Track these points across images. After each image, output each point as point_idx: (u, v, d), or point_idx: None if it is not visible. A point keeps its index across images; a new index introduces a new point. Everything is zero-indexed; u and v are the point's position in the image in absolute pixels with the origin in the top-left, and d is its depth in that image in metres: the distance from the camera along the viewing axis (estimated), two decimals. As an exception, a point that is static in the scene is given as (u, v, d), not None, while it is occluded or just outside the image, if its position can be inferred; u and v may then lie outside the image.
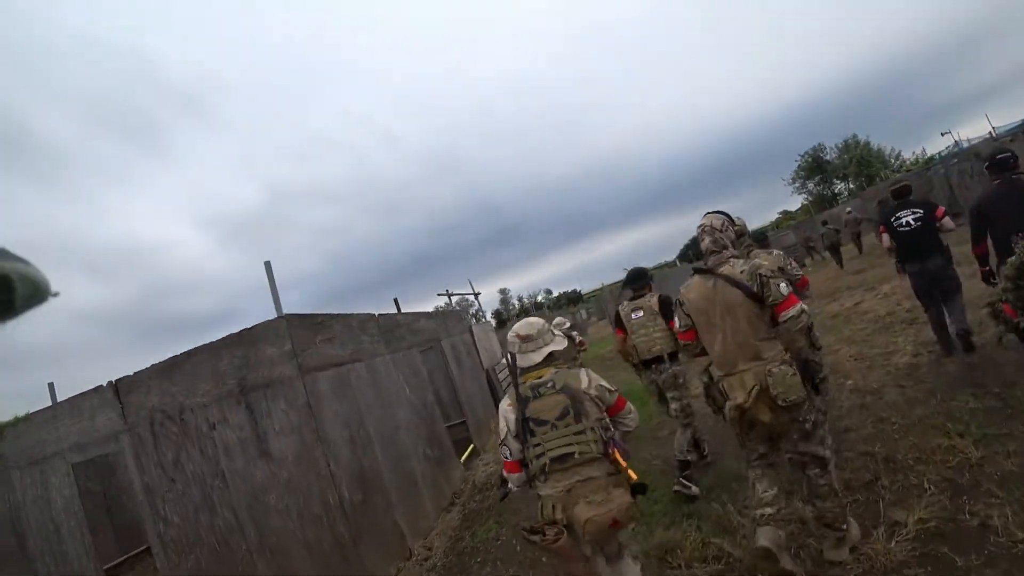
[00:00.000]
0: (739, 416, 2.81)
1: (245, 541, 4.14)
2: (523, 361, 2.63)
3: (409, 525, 5.13)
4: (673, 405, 4.44)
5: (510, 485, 2.62)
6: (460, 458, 7.37)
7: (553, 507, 2.38)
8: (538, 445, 2.42)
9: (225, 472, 4.22)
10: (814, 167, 58.99)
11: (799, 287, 4.12)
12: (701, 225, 3.13)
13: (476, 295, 10.55)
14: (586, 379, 2.53)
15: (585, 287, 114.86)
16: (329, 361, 4.86)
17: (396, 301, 7.98)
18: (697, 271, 3.10)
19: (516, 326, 2.77)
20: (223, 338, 4.30)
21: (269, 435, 4.25)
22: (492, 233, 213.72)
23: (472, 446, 7.88)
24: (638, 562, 2.60)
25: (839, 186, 59.07)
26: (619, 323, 4.73)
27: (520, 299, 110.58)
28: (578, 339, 8.79)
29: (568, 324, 9.27)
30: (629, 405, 2.62)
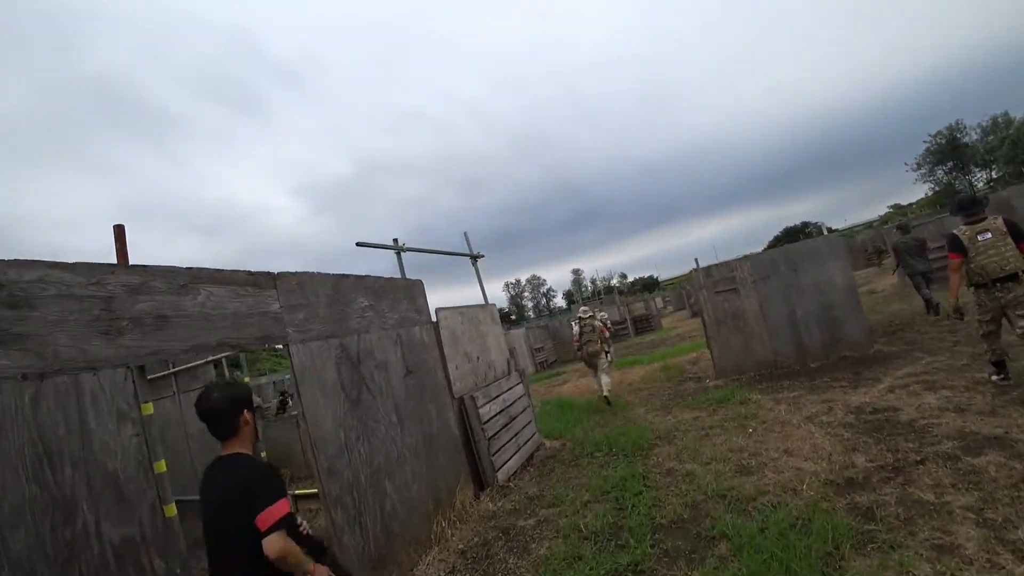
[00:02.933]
0: None
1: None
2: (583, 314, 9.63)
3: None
4: (1020, 323, 4.70)
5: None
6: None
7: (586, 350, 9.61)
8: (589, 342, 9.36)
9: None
10: (948, 150, 53.06)
11: None
12: None
13: (474, 257, 7.68)
14: (599, 323, 9.69)
15: (663, 275, 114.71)
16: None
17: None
18: None
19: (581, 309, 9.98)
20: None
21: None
22: (572, 214, 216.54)
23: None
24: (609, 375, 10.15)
25: (979, 175, 52.77)
26: (956, 247, 4.93)
27: (593, 281, 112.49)
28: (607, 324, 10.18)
29: (604, 314, 10.72)
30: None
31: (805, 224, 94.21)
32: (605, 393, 8.96)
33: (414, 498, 4.59)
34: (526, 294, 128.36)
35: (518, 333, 20.69)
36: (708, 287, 9.05)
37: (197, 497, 2.32)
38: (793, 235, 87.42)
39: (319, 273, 4.18)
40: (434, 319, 5.76)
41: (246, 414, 2.35)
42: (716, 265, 9.14)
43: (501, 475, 5.75)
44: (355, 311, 4.51)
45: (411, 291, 5.49)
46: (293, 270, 3.98)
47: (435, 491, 4.91)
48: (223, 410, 2.29)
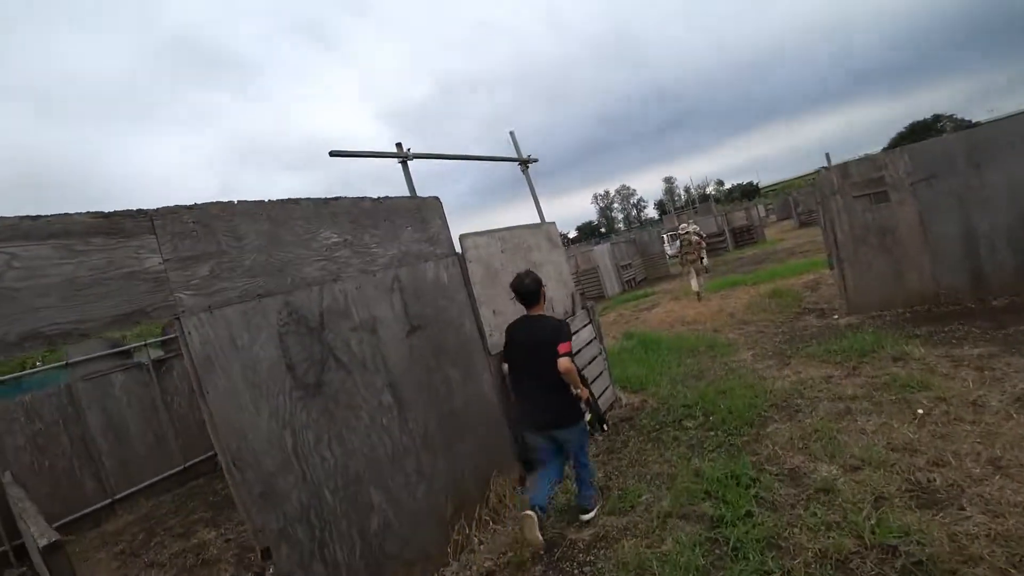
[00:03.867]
0: None
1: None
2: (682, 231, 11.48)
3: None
4: None
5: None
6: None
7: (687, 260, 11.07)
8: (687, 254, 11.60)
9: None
10: None
11: None
12: None
13: (524, 162, 5.84)
14: (696, 238, 11.42)
15: (764, 180, 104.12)
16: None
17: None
18: None
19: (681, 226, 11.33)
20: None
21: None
22: (667, 120, 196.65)
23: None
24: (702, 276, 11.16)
25: None
26: None
27: (687, 189, 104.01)
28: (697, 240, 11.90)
29: (696, 227, 12.51)
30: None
31: (937, 117, 79.29)
32: (697, 289, 11.38)
33: (420, 504, 3.35)
34: (616, 205, 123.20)
35: (602, 249, 18.87)
36: (844, 191, 6.75)
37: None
38: (921, 131, 74.33)
39: (239, 202, 2.77)
40: (459, 250, 4.27)
41: (543, 290, 3.67)
42: (856, 161, 6.76)
43: (554, 454, 4.40)
44: (314, 252, 3.08)
45: (419, 213, 3.95)
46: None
47: (457, 487, 3.65)
48: (534, 289, 3.58)
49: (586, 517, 3.53)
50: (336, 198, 3.36)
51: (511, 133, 5.94)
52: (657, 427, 4.82)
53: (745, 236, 23.71)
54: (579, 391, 3.38)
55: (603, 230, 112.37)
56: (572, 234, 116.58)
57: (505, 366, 3.82)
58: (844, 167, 6.75)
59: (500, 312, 4.44)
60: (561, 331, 3.38)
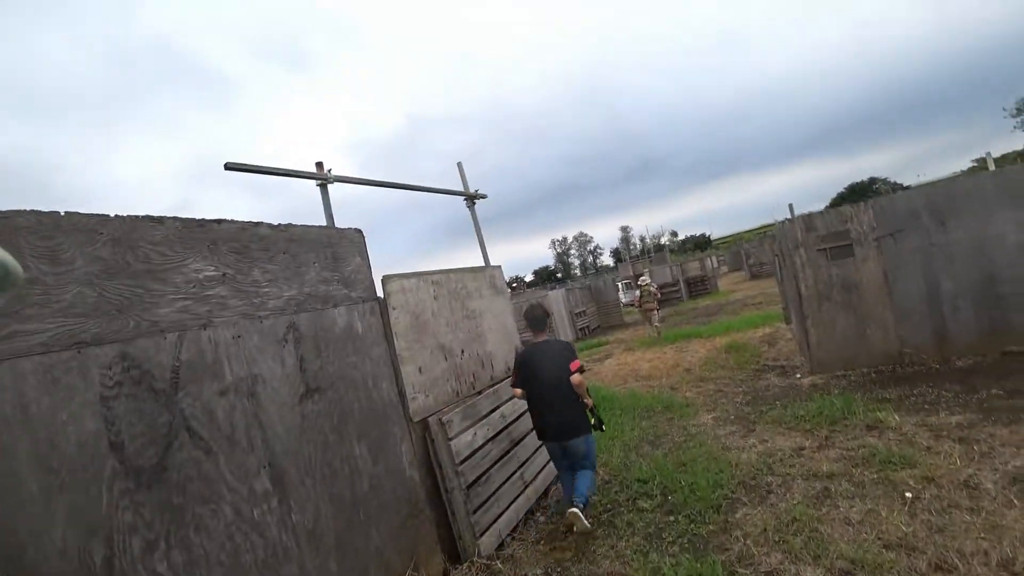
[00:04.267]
0: None
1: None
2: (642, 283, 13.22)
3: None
4: None
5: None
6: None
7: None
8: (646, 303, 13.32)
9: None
10: None
11: None
12: None
13: (471, 197, 5.35)
14: (654, 289, 13.13)
15: (716, 232, 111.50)
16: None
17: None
18: None
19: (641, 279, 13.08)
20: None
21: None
22: (627, 168, 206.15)
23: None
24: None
25: None
26: None
27: (642, 239, 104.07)
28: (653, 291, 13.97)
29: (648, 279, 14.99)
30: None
31: (873, 180, 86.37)
32: (657, 324, 13.58)
33: None
34: (573, 251, 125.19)
35: (556, 295, 18.45)
36: (807, 244, 6.47)
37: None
38: (860, 192, 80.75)
39: (67, 214, 2.06)
40: (380, 293, 3.59)
41: (548, 320, 4.55)
42: (821, 213, 6.52)
43: (488, 541, 3.65)
44: (176, 287, 2.36)
45: (332, 248, 3.29)
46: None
47: (357, 594, 2.85)
48: (542, 317, 4.28)
49: (574, 511, 3.58)
50: (218, 220, 2.66)
51: (459, 164, 5.41)
52: (609, 507, 4.14)
53: (699, 286, 23.88)
54: (587, 400, 3.98)
55: (559, 275, 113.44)
56: (529, 278, 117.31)
57: (518, 391, 4.06)
58: (809, 219, 6.50)
59: (427, 370, 3.76)
60: (570, 350, 4.03)
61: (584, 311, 19.46)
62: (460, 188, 5.37)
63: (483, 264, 5.23)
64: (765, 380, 7.01)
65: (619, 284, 25.94)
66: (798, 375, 6.82)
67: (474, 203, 5.42)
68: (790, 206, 7.98)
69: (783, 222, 6.71)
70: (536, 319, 4.20)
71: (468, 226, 5.54)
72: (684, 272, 23.99)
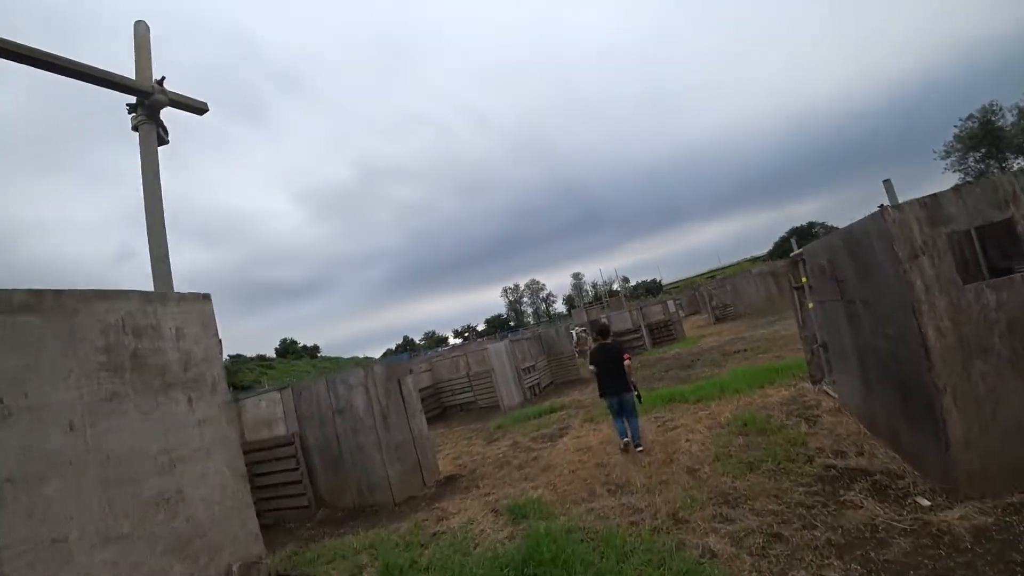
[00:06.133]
0: None
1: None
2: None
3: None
4: None
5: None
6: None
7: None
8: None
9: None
10: (981, 135, 47.50)
11: None
12: None
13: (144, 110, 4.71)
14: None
15: (667, 278, 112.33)
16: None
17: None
18: None
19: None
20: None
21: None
22: (574, 218, 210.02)
23: None
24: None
25: (1014, 162, 46.33)
26: None
27: (595, 285, 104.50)
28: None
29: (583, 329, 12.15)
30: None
31: (811, 224, 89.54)
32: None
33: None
34: (525, 299, 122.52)
35: (499, 348, 14.97)
36: (934, 249, 3.35)
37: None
38: (801, 236, 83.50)
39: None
40: None
41: (609, 328, 8.22)
42: (957, 190, 3.46)
43: None
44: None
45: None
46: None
47: None
48: (605, 329, 7.40)
49: (640, 448, 6.42)
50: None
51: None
52: None
53: (663, 332, 20.98)
54: (633, 379, 6.64)
55: (512, 323, 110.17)
56: (481, 326, 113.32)
57: (592, 368, 6.99)
58: (935, 201, 3.39)
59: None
60: (623, 348, 7.10)
61: (534, 365, 16.04)
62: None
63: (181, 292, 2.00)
64: (854, 510, 3.72)
65: (574, 332, 22.84)
66: (923, 500, 3.58)
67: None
68: (792, 239, 5.57)
69: (877, 214, 3.56)
70: (602, 330, 7.37)
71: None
72: (645, 317, 21.09)
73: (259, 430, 8.70)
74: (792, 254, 6.94)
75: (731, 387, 8.55)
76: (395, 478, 7.22)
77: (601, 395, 6.84)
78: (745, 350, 13.26)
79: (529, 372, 15.61)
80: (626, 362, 6.55)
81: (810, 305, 6.90)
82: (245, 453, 8.35)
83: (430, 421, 16.19)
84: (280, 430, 8.45)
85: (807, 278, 6.89)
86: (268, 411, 8.65)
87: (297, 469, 8.04)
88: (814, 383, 7.07)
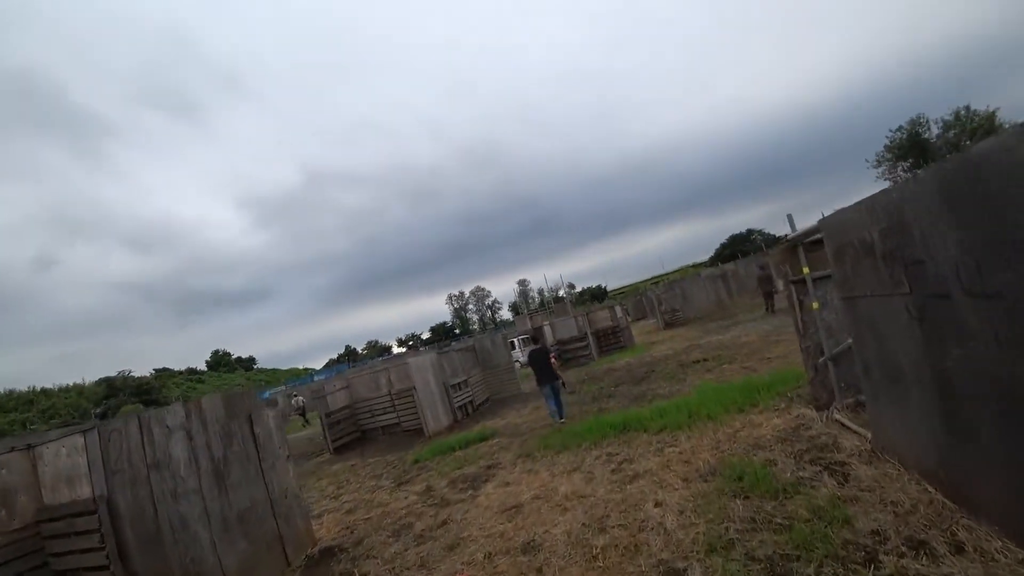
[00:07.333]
0: None
1: None
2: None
3: None
4: None
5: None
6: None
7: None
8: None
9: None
10: (909, 146, 49.51)
11: None
12: None
13: None
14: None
15: (612, 284, 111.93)
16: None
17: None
18: None
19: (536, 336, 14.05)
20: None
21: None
22: (522, 225, 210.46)
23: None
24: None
25: None
26: None
27: (541, 292, 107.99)
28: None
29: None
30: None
31: (750, 231, 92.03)
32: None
33: None
34: (471, 307, 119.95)
35: (422, 362, 12.66)
36: None
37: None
38: (739, 242, 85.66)
39: None
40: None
41: (542, 336, 17.23)
42: None
43: None
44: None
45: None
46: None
47: None
48: (538, 338, 13.66)
49: (562, 421, 8.75)
50: None
51: None
52: None
53: (611, 340, 19.26)
54: (558, 372, 9.01)
55: (457, 331, 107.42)
56: (426, 335, 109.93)
57: (529, 366, 9.19)
58: None
59: None
60: (549, 350, 9.92)
61: (466, 380, 13.82)
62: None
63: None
64: None
65: (514, 341, 20.79)
66: None
67: None
68: (789, 216, 3.87)
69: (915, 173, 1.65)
70: (534, 337, 12.73)
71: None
72: (592, 323, 19.34)
73: (59, 490, 6.08)
74: (791, 235, 5.08)
75: (702, 412, 6.66)
76: (234, 565, 4.88)
77: (538, 384, 9.27)
78: (706, 359, 11.56)
79: (460, 389, 13.38)
80: (552, 361, 9.01)
81: (814, 305, 5.08)
82: (39, 524, 5.65)
83: (345, 448, 13.60)
84: (84, 490, 5.88)
85: (809, 269, 5.06)
86: (70, 463, 6.07)
87: (103, 549, 5.51)
88: (819, 409, 5.25)
